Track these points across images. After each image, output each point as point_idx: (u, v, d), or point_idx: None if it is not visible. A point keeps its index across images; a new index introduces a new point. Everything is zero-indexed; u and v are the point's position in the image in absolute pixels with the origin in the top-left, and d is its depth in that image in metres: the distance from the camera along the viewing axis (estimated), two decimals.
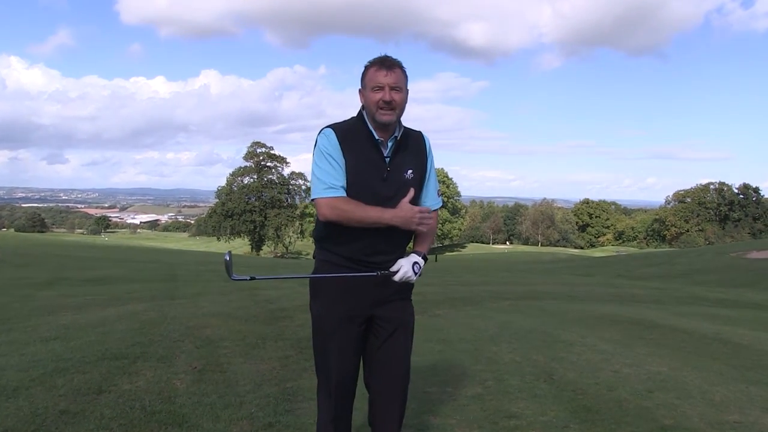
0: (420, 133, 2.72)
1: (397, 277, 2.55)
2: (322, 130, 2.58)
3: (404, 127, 2.66)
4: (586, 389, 4.26)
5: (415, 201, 2.64)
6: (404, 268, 2.55)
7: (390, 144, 2.58)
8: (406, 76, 2.57)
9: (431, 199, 2.73)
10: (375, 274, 2.54)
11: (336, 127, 2.58)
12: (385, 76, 2.50)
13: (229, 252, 2.61)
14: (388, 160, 2.58)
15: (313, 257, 2.77)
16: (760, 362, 5.18)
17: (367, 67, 2.57)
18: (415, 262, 2.59)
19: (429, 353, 5.30)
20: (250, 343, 5.48)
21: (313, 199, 2.55)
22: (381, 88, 2.50)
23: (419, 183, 2.66)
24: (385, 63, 2.53)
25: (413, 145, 2.66)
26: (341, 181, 2.51)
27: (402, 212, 2.53)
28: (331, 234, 2.58)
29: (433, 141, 2.78)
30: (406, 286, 2.68)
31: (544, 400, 4.01)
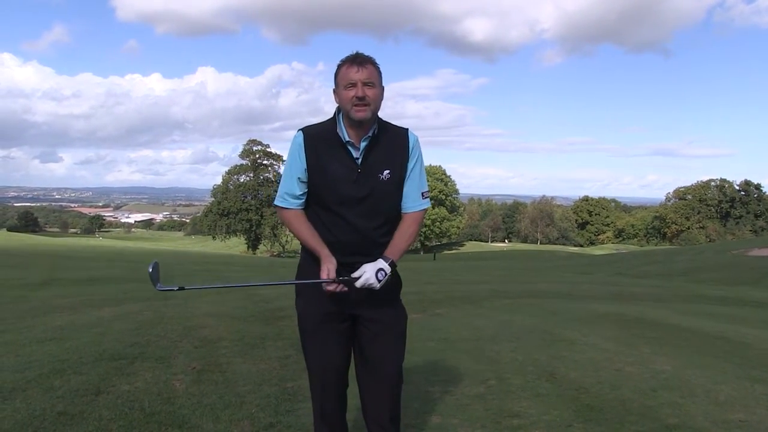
0: (405, 130, 2.64)
1: (358, 284, 2.45)
2: (297, 132, 2.60)
3: (387, 123, 2.62)
4: (588, 388, 4.22)
5: (394, 201, 2.59)
6: (367, 273, 2.45)
7: (363, 144, 2.52)
8: (379, 72, 2.53)
9: (411, 200, 2.63)
10: (332, 280, 2.45)
11: (306, 130, 2.58)
12: (357, 73, 2.46)
13: (156, 262, 2.50)
14: (359, 161, 2.52)
15: None
16: (764, 360, 5.15)
17: (339, 66, 2.53)
18: (380, 269, 2.47)
19: (430, 352, 5.26)
20: (249, 343, 5.45)
21: None
22: (354, 85, 2.46)
23: (397, 184, 2.58)
24: (357, 59, 2.49)
25: (392, 144, 2.58)
26: (295, 190, 2.57)
27: (327, 265, 2.44)
28: None
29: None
30: (392, 286, 2.63)
31: (546, 399, 3.97)
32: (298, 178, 2.56)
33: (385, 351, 2.66)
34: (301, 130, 2.60)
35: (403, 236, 2.60)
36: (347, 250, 2.52)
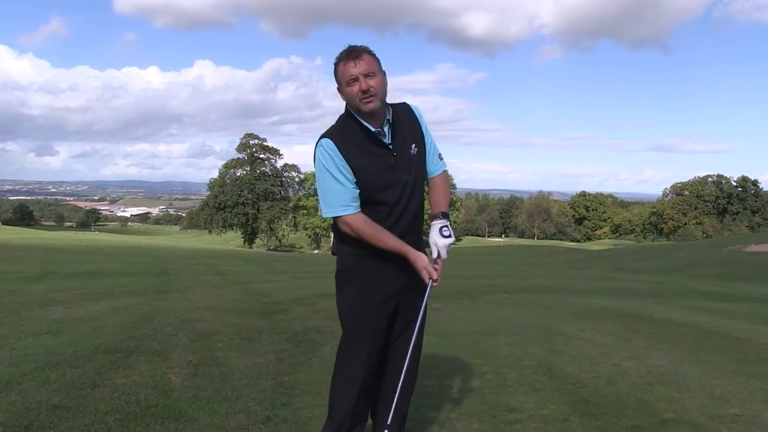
0: (406, 104, 2.72)
1: (444, 255, 2.60)
2: (318, 141, 2.55)
3: (389, 104, 2.64)
4: (585, 382, 4.23)
5: (425, 172, 2.70)
6: (438, 243, 2.59)
7: (386, 130, 2.57)
8: (377, 60, 2.53)
9: (433, 164, 2.74)
10: (432, 279, 2.58)
11: (330, 134, 2.55)
12: (354, 67, 2.47)
13: None
14: (392, 146, 2.57)
15: (332, 252, 2.74)
16: (760, 356, 5.16)
17: (336, 64, 2.54)
18: (442, 227, 2.62)
19: (426, 347, 5.17)
20: (245, 336, 5.44)
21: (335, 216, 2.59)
22: (355, 80, 2.47)
23: (423, 153, 2.68)
24: (351, 54, 2.49)
25: (406, 120, 2.66)
26: (353, 192, 2.51)
27: (421, 262, 2.56)
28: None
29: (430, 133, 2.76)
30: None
31: (543, 394, 3.98)
32: (349, 180, 2.51)
33: (410, 342, 2.68)
34: (326, 137, 2.54)
35: (441, 194, 2.72)
36: (402, 233, 2.57)
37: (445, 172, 2.79)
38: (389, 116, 2.57)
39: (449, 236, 2.59)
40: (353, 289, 2.64)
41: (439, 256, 2.59)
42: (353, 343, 2.66)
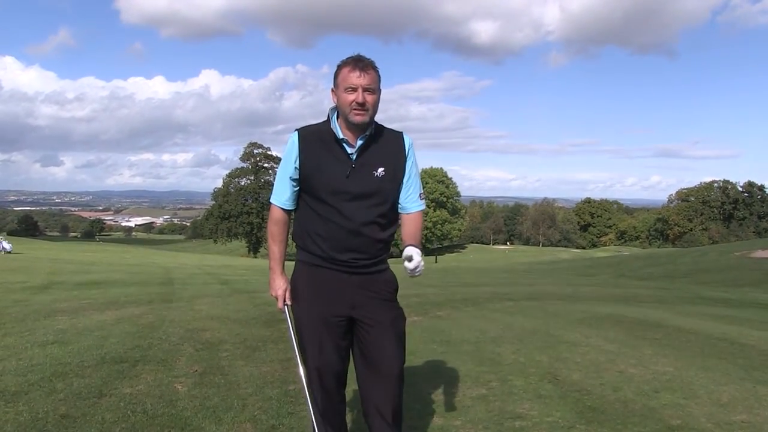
0: (400, 133, 2.70)
1: (416, 270, 2.55)
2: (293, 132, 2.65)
3: (382, 126, 2.67)
4: (591, 389, 4.22)
5: (388, 199, 2.63)
6: (417, 258, 2.53)
7: (359, 142, 2.58)
8: (379, 77, 2.58)
9: (411, 201, 2.71)
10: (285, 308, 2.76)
11: (302, 130, 2.64)
12: (359, 78, 2.50)
13: None
14: (354, 156, 2.57)
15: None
16: (767, 362, 5.14)
17: (340, 67, 2.57)
18: (410, 253, 2.58)
19: (431, 354, 5.26)
20: (250, 345, 5.45)
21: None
22: (354, 90, 2.50)
23: (393, 182, 2.63)
24: (359, 64, 2.52)
25: (388, 144, 2.65)
26: (285, 188, 2.65)
27: (274, 284, 2.77)
28: (304, 233, 2.65)
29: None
30: (390, 287, 2.69)
31: (549, 401, 3.97)
32: (290, 177, 2.63)
33: (387, 351, 2.66)
34: (297, 130, 2.65)
35: (411, 232, 2.68)
36: (341, 246, 2.57)
37: (422, 213, 2.76)
38: (368, 132, 2.58)
39: (411, 261, 2.54)
40: (301, 299, 2.69)
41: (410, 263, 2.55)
42: (303, 350, 2.71)
